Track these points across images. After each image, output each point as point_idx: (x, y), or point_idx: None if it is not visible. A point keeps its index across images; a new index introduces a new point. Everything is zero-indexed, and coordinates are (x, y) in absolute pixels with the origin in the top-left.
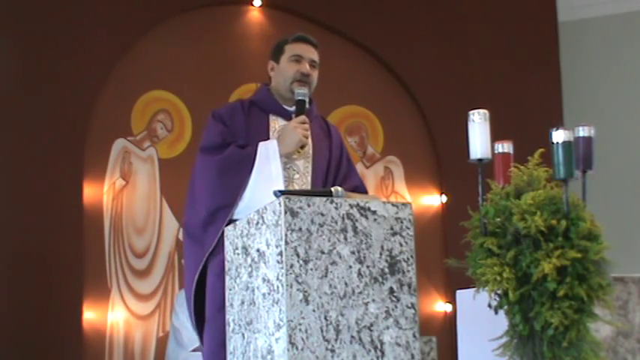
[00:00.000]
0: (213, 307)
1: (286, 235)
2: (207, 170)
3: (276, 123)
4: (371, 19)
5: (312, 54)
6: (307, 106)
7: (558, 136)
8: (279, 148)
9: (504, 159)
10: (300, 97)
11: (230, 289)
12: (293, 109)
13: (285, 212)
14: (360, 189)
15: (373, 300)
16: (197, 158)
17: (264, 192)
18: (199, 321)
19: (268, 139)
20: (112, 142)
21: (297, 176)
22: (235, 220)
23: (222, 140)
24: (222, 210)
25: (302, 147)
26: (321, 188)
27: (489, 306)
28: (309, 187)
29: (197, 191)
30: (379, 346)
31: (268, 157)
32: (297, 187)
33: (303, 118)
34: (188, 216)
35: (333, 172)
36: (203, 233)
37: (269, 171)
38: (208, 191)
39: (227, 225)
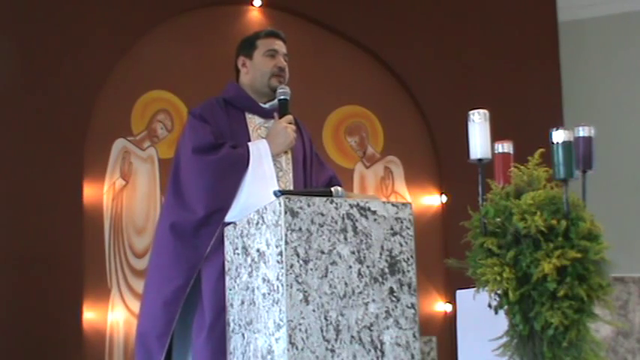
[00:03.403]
0: (214, 313)
1: (286, 235)
2: (204, 171)
3: (252, 121)
4: (371, 19)
5: (284, 49)
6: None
7: (558, 136)
8: (270, 147)
9: (504, 159)
10: (283, 97)
11: (230, 289)
12: (268, 106)
13: (285, 212)
14: (335, 180)
15: (373, 300)
16: (186, 159)
17: (259, 193)
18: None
19: (249, 137)
20: (112, 142)
21: (280, 174)
22: (228, 223)
23: (215, 140)
24: (219, 212)
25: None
26: (321, 188)
27: (489, 306)
28: (291, 184)
29: (190, 192)
30: (379, 346)
31: (261, 158)
32: (282, 185)
33: (290, 118)
34: (177, 216)
35: (309, 167)
36: (195, 235)
37: (263, 171)
38: (207, 192)
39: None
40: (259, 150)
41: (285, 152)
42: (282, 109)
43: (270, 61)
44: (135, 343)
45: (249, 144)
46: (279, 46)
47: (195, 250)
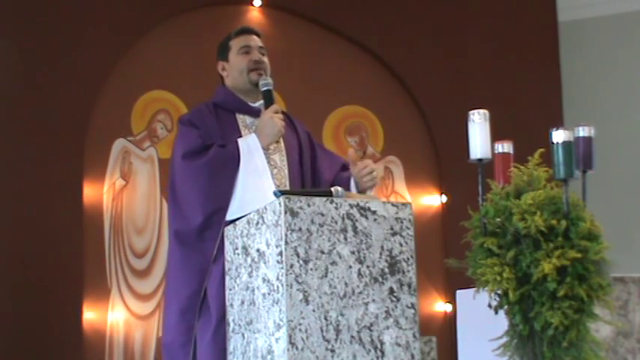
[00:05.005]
0: (220, 313)
1: (286, 235)
2: (196, 175)
3: (243, 121)
4: (371, 19)
5: (258, 42)
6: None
7: (558, 136)
8: (259, 140)
9: (504, 159)
10: (265, 88)
11: (230, 289)
12: (257, 105)
13: (285, 212)
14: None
15: (373, 300)
16: (178, 166)
17: (254, 187)
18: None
19: (241, 137)
20: (112, 142)
21: (275, 171)
22: (230, 222)
23: (203, 143)
24: (218, 213)
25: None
26: (321, 188)
27: (489, 306)
28: (287, 181)
29: (186, 198)
30: (379, 346)
31: (251, 152)
32: (277, 182)
33: (276, 107)
34: (179, 224)
35: (308, 162)
36: (199, 240)
37: (255, 165)
38: (202, 196)
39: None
40: (249, 145)
41: (277, 142)
42: (267, 99)
43: (245, 58)
44: (162, 354)
45: (239, 140)
46: (253, 41)
47: (203, 255)
